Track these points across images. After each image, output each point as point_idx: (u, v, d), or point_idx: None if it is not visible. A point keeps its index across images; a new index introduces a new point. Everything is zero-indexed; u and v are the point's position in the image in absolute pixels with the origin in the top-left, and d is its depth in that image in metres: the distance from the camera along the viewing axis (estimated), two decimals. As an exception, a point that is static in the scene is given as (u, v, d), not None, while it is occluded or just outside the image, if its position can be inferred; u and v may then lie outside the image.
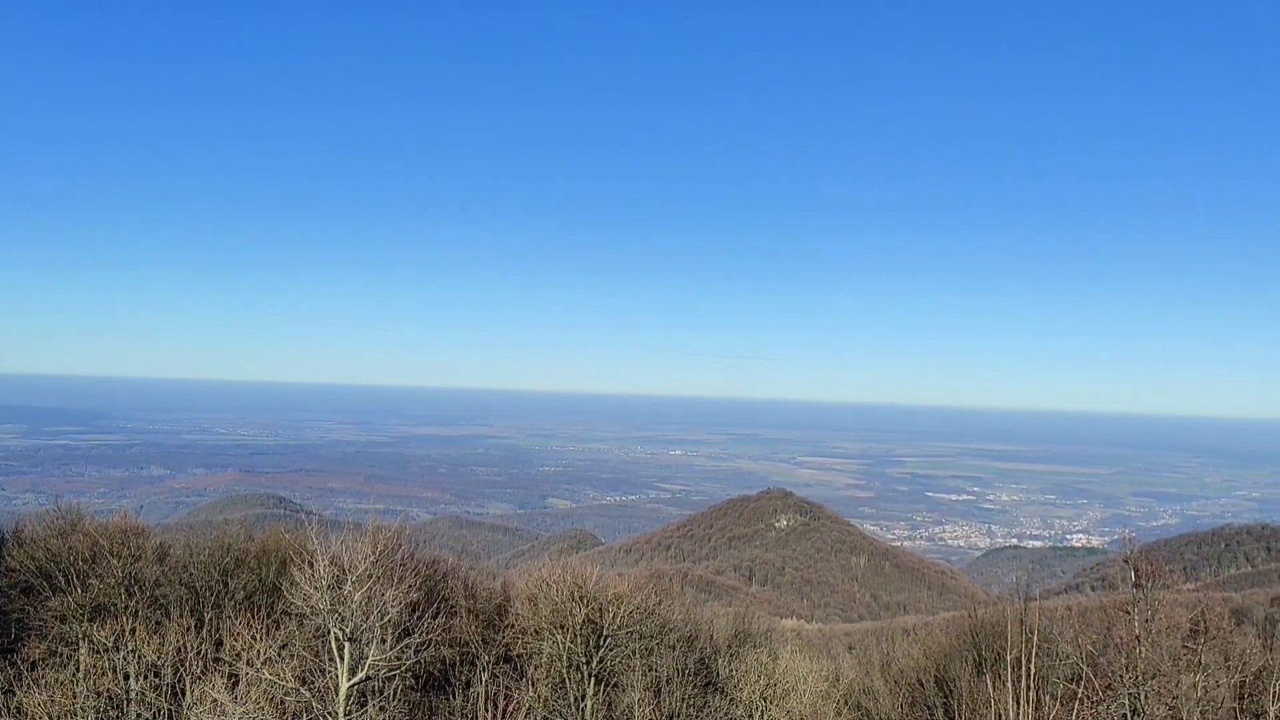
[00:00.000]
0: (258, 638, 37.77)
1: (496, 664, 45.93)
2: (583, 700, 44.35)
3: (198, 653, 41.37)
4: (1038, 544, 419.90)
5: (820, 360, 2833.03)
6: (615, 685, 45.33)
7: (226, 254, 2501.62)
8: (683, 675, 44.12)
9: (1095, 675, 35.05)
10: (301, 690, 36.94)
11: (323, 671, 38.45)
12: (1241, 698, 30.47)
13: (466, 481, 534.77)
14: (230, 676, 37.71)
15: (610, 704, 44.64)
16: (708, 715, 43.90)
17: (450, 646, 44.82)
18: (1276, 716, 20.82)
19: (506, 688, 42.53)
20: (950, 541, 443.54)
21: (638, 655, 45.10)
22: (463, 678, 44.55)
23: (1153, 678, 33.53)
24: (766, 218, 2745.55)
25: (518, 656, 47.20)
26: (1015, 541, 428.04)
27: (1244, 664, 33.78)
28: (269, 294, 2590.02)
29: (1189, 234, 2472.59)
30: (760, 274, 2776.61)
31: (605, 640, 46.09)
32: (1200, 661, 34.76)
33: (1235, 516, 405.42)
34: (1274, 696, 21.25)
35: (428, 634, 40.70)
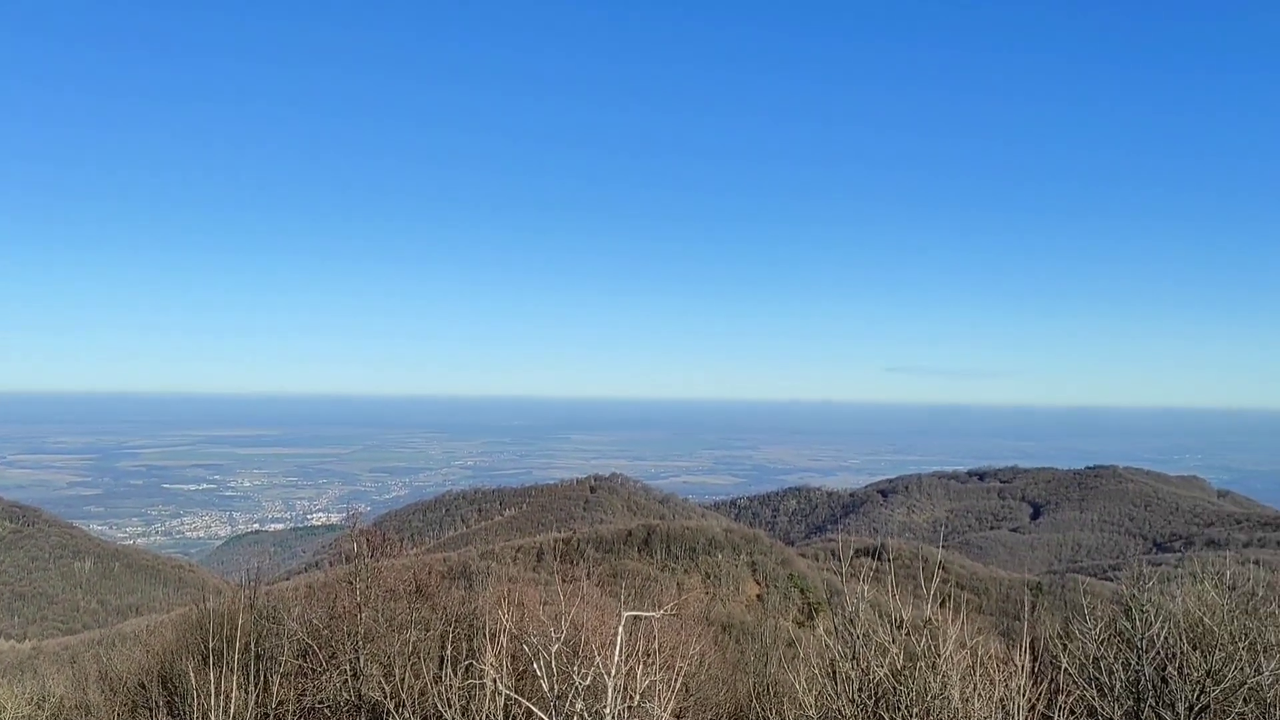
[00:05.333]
0: None
1: None
2: None
3: None
4: (280, 526, 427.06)
5: (55, 346, 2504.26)
6: None
7: None
8: None
9: (320, 648, 36.51)
10: None
11: None
12: (444, 646, 34.22)
13: None
14: None
15: None
16: None
17: None
18: (465, 657, 23.97)
19: None
20: (190, 534, 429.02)
21: None
22: None
23: (371, 641, 36.05)
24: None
25: None
26: (258, 526, 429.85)
27: (448, 614, 38.24)
28: None
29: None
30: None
31: None
32: (413, 619, 38.42)
33: (454, 485, 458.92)
34: (481, 637, 24.51)
35: None
